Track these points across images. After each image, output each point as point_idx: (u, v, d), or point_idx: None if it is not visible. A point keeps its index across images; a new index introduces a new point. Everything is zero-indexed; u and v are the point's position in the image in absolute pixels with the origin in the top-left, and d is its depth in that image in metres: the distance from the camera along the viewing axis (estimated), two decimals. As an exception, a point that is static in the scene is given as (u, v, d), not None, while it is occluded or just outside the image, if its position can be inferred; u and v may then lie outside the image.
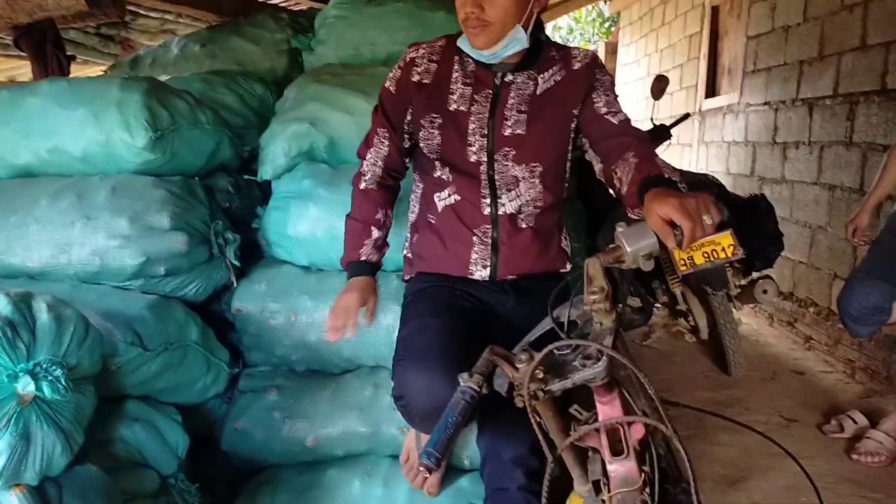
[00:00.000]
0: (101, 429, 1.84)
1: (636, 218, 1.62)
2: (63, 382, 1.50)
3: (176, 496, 1.97)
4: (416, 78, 1.90)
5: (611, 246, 1.43)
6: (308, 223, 2.27)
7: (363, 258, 1.96)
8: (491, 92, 1.85)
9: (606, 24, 12.33)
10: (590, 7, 12.04)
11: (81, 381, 1.63)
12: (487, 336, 1.65)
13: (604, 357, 1.31)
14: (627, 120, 1.82)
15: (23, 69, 5.82)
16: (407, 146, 1.96)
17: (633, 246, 1.38)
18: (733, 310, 3.83)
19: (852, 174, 3.96)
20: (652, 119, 4.60)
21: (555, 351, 1.37)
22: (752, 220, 3.90)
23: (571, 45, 1.95)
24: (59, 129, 2.20)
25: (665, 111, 7.32)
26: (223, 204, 2.49)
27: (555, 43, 1.95)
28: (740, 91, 5.63)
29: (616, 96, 1.88)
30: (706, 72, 6.53)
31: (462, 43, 1.83)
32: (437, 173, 1.92)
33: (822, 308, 4.30)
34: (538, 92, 1.85)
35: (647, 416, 1.38)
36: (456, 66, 1.88)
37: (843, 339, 3.94)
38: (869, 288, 2.93)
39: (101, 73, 4.18)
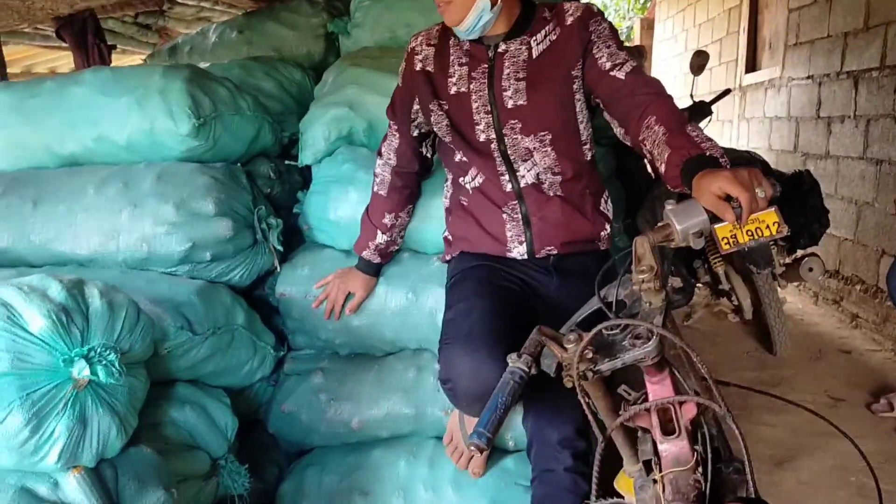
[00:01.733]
0: (153, 412, 1.87)
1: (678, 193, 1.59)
2: (117, 366, 1.53)
3: (226, 477, 2.00)
4: (418, 67, 1.93)
5: (660, 224, 1.41)
6: (349, 207, 2.28)
7: (365, 256, 2.15)
8: (486, 66, 1.83)
9: (642, 1, 12.13)
10: (624, -17, 11.88)
11: (134, 366, 1.66)
12: (532, 317, 1.64)
13: (654, 336, 1.30)
14: (637, 70, 1.74)
15: (62, 60, 5.92)
16: (416, 135, 2.03)
17: (684, 224, 1.36)
18: (778, 288, 3.77)
19: (900, 148, 3.86)
20: (692, 95, 4.53)
21: (603, 331, 1.36)
22: (796, 197, 3.82)
23: (566, 1, 1.87)
24: (103, 118, 2.22)
25: (704, 87, 7.19)
26: (265, 190, 2.50)
27: (548, 3, 1.89)
28: (782, 65, 5.50)
29: (619, 44, 1.80)
30: (746, 46, 6.40)
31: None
32: (456, 157, 1.95)
33: (869, 285, 4.21)
34: (533, 56, 1.81)
35: (698, 395, 1.37)
36: (452, 49, 1.89)
37: (891, 316, 3.86)
38: (920, 264, 2.86)
39: (141, 62, 4.23)
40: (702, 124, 4.47)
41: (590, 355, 1.30)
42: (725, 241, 3.96)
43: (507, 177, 1.88)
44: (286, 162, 2.62)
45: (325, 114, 2.41)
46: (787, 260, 3.72)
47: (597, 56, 1.76)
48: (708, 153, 1.51)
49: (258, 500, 2.23)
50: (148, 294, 1.92)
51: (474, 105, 1.84)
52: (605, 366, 1.32)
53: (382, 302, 2.20)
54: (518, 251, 1.91)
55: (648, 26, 10.30)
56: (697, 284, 4.16)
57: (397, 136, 2.06)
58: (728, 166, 1.50)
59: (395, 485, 2.08)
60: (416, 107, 1.97)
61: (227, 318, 2.08)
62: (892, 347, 3.84)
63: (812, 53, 4.99)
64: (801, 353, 3.89)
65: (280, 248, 2.31)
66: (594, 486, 1.36)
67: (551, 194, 1.89)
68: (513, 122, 1.82)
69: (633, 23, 11.56)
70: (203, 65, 2.98)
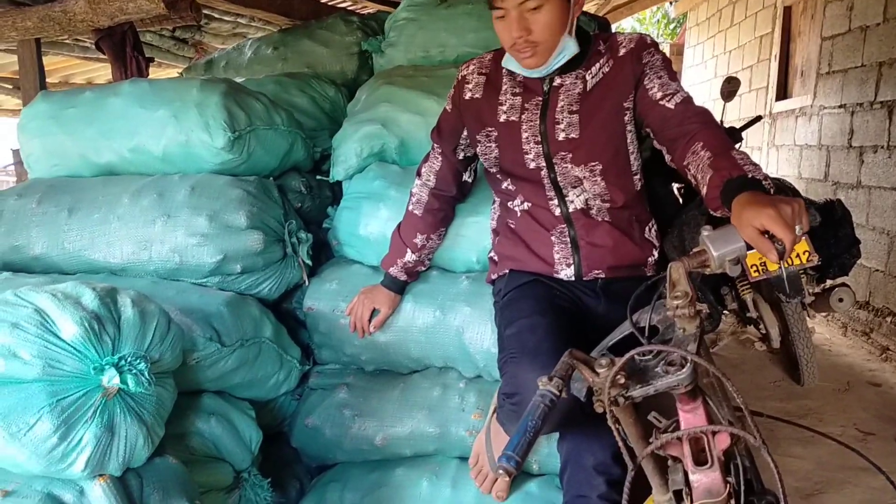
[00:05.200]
0: (179, 422, 1.87)
1: (715, 216, 1.58)
2: (147, 376, 1.53)
3: (249, 490, 1.99)
4: (468, 95, 1.94)
5: (695, 249, 1.40)
6: (379, 223, 2.28)
7: (392, 273, 2.16)
8: (540, 99, 1.84)
9: (672, 26, 12.12)
10: (654, 8, 11.86)
11: (163, 375, 1.67)
12: (583, 338, 1.62)
13: (688, 364, 1.28)
14: (687, 100, 1.72)
15: (100, 72, 6.02)
16: (461, 158, 2.05)
17: (721, 250, 1.35)
18: (807, 318, 3.72)
19: (935, 179, 3.81)
20: (721, 121, 4.51)
21: (636, 356, 1.35)
22: (827, 226, 3.78)
23: (619, 33, 1.88)
24: (140, 129, 2.26)
25: (733, 113, 7.16)
26: (295, 204, 2.52)
27: (601, 34, 1.90)
28: (814, 93, 5.46)
29: (672, 74, 1.79)
30: (777, 73, 6.36)
31: (509, 63, 1.83)
32: (503, 185, 1.97)
33: (900, 318, 4.14)
34: (588, 89, 1.81)
35: (732, 425, 1.34)
36: (505, 79, 1.89)
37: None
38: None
39: (177, 75, 4.29)
40: (732, 150, 4.45)
41: (622, 381, 1.28)
42: (755, 268, 3.91)
43: (556, 201, 1.89)
44: (317, 177, 2.63)
45: (358, 130, 2.43)
46: (817, 289, 3.67)
47: (648, 86, 1.76)
48: (750, 175, 1.49)
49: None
50: (178, 304, 1.94)
51: (524, 135, 1.85)
52: (637, 392, 1.30)
53: (410, 319, 2.20)
54: (565, 273, 1.91)
55: (678, 52, 10.28)
56: (724, 311, 4.13)
57: (440, 158, 2.07)
58: (772, 190, 1.48)
59: (417, 505, 2.06)
60: (464, 133, 2.00)
61: (256, 330, 2.09)
62: (923, 382, 3.76)
63: (845, 82, 4.95)
64: (829, 385, 3.83)
65: (309, 262, 2.32)
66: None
67: (599, 219, 1.89)
68: (563, 153, 1.83)
69: (663, 48, 11.55)
70: (238, 79, 3.02)
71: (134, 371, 1.53)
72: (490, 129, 1.90)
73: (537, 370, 1.61)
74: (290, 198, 2.50)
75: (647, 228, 1.98)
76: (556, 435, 2.09)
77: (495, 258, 2.07)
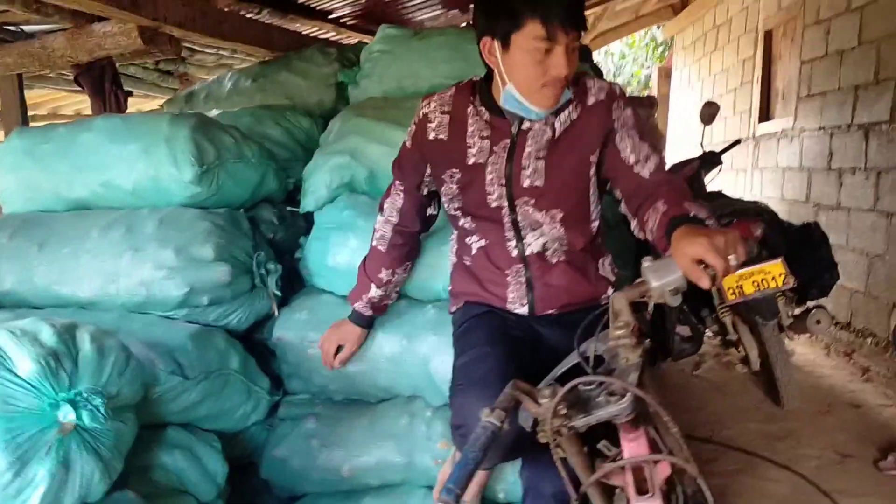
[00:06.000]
0: (142, 455, 1.89)
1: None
2: (102, 411, 1.55)
3: (214, 522, 2.00)
4: (431, 135, 1.87)
5: (637, 280, 1.43)
6: (348, 253, 2.31)
7: (357, 308, 2.13)
8: (508, 141, 1.80)
9: (660, 49, 12.24)
10: (643, 32, 11.99)
11: (122, 410, 1.69)
12: (540, 366, 1.63)
13: (628, 394, 1.30)
14: (660, 167, 1.73)
15: (66, 101, 5.99)
16: (424, 194, 2.01)
17: (659, 281, 1.37)
18: (786, 340, 3.73)
19: (911, 201, 3.85)
20: (702, 145, 4.55)
21: (580, 386, 1.37)
22: (805, 248, 3.80)
23: (588, 77, 1.82)
24: (111, 164, 2.29)
25: (719, 136, 7.22)
26: (267, 234, 2.55)
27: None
28: (794, 116, 5.52)
29: (642, 132, 1.78)
30: (760, 96, 6.43)
31: (511, 104, 1.72)
32: (462, 222, 1.94)
33: (880, 338, 4.16)
34: (556, 137, 1.78)
35: (672, 454, 1.36)
36: (471, 119, 1.83)
37: (905, 371, 3.81)
38: (925, 320, 2.84)
39: (159, 106, 4.34)
40: (713, 173, 4.50)
41: (563, 411, 1.31)
42: (731, 291, 3.94)
43: (514, 242, 1.87)
44: (289, 208, 2.66)
45: (328, 161, 2.46)
46: (797, 311, 3.69)
47: (619, 147, 1.76)
48: (692, 213, 1.53)
49: (249, 546, 2.24)
50: (143, 337, 1.96)
51: (488, 177, 1.82)
52: (580, 422, 1.33)
53: (377, 348, 2.22)
54: (520, 311, 1.91)
55: (666, 75, 10.36)
56: (707, 334, 4.15)
57: (402, 195, 2.01)
58: (714, 226, 1.52)
59: (383, 534, 2.07)
60: (427, 171, 1.94)
61: (221, 362, 2.11)
62: (903, 403, 3.77)
63: (824, 105, 5.00)
64: (810, 406, 3.83)
65: (279, 293, 2.35)
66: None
67: (555, 261, 1.88)
68: (526, 197, 1.82)
69: (652, 71, 11.66)
70: (216, 111, 3.07)
71: (90, 406, 1.55)
72: (455, 170, 1.86)
73: (483, 401, 1.62)
74: (262, 228, 2.53)
75: (602, 264, 1.98)
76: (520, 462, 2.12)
77: (454, 292, 2.06)
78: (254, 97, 3.37)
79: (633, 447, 1.36)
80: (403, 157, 1.99)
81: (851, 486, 2.94)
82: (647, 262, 1.40)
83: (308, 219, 2.75)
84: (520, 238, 1.87)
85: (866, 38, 4.40)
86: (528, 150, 1.78)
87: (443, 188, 1.91)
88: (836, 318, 4.69)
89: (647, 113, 5.16)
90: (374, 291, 2.10)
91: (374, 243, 2.09)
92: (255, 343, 2.48)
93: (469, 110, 1.83)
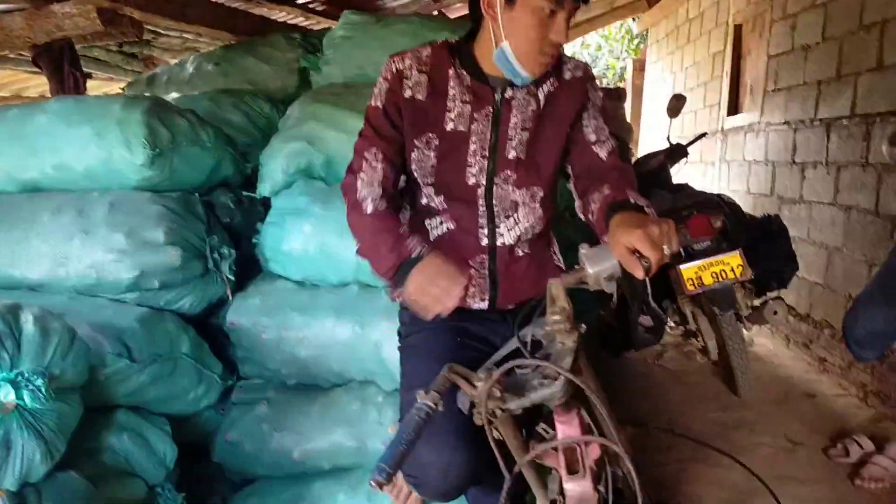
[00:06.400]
0: (90, 437, 1.89)
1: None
2: (44, 391, 1.56)
3: (163, 505, 2.01)
4: (408, 93, 1.69)
5: (575, 267, 1.45)
6: (301, 239, 2.31)
7: (414, 254, 1.59)
8: (492, 109, 1.70)
9: (636, 42, 12.30)
10: (619, 24, 12.05)
11: (66, 391, 1.69)
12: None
13: (561, 378, 1.33)
14: (614, 152, 1.74)
15: (30, 82, 5.91)
16: (401, 164, 1.74)
17: (595, 268, 1.39)
18: (743, 330, 3.79)
19: (868, 195, 3.90)
20: (668, 138, 4.60)
21: (516, 370, 1.39)
22: (765, 240, 3.87)
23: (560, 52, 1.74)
24: (64, 146, 2.28)
25: (689, 129, 7.28)
26: (224, 219, 2.54)
27: None
28: (761, 110, 5.58)
29: (605, 117, 1.78)
30: (729, 90, 6.49)
31: (501, 61, 1.62)
32: (427, 200, 1.76)
33: (836, 330, 4.22)
34: (540, 108, 1.72)
35: (604, 436, 1.39)
36: (452, 81, 1.70)
37: (857, 362, 3.87)
38: (874, 312, 2.89)
39: (120, 90, 4.30)
40: (678, 166, 4.55)
41: (497, 394, 1.33)
42: (690, 282, 3.98)
43: (486, 230, 1.75)
44: (245, 193, 2.66)
45: (284, 147, 2.46)
46: (756, 302, 3.75)
47: (584, 124, 1.75)
48: (632, 199, 1.55)
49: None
50: (91, 320, 1.96)
51: (471, 147, 1.70)
52: (514, 404, 1.35)
53: (330, 334, 2.23)
54: (478, 306, 1.79)
55: (640, 67, 10.41)
56: (669, 324, 4.20)
57: (379, 164, 1.68)
58: (653, 214, 1.54)
59: (333, 517, 2.09)
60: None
61: (171, 346, 2.11)
62: (856, 393, 3.85)
63: (789, 100, 5.06)
64: (766, 396, 3.90)
65: (232, 277, 2.35)
66: (499, 525, 1.37)
67: (521, 253, 1.80)
68: (508, 172, 1.72)
69: (627, 63, 11.71)
70: (175, 96, 3.05)
71: (31, 387, 1.55)
72: (432, 135, 1.70)
73: (436, 454, 1.59)
74: (218, 213, 2.53)
75: (555, 252, 1.96)
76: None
77: None
78: (216, 81, 3.35)
79: (565, 429, 1.38)
80: (376, 119, 1.72)
81: (800, 473, 3.00)
82: (583, 250, 1.42)
83: (267, 204, 2.74)
84: (493, 226, 1.75)
85: (830, 33, 4.45)
86: (514, 120, 1.70)
87: (414, 155, 1.71)
88: (796, 309, 4.77)
89: (615, 105, 5.20)
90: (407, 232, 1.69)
91: (369, 210, 1.66)
92: (210, 328, 2.48)
93: (450, 72, 1.71)
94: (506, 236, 1.77)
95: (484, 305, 1.80)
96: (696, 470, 3.06)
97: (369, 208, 1.67)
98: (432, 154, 1.72)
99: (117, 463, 1.92)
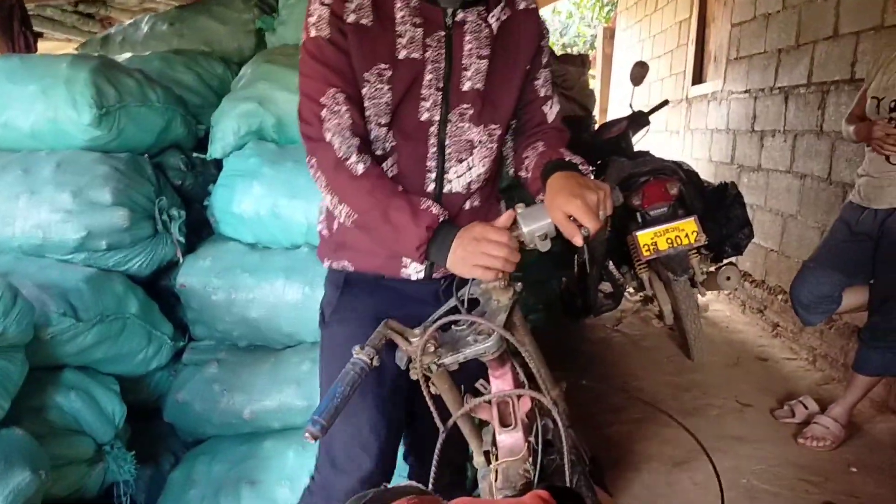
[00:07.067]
0: (37, 396, 1.90)
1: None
2: (-16, 349, 1.56)
3: (112, 463, 2.03)
4: (351, 17, 1.46)
5: (511, 226, 1.47)
6: (252, 201, 2.31)
7: (443, 217, 1.43)
8: (443, 34, 1.51)
9: (606, 10, 12.26)
10: (590, -9, 12.02)
11: (9, 350, 1.69)
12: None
13: (494, 333, 1.36)
14: (559, 113, 1.70)
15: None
16: (362, 104, 1.50)
17: (529, 227, 1.42)
18: (698, 296, 3.87)
19: (821, 163, 3.98)
20: (630, 105, 4.62)
21: (452, 327, 1.42)
22: (720, 207, 3.93)
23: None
24: (9, 105, 2.23)
25: (656, 97, 7.31)
26: (175, 181, 2.53)
27: None
28: (724, 78, 5.63)
29: (552, 74, 1.73)
30: (693, 58, 6.53)
31: None
32: (375, 142, 1.54)
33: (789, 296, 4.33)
34: (494, 34, 1.56)
35: (537, 390, 1.43)
36: (398, 3, 1.50)
37: (806, 326, 3.98)
38: (820, 277, 2.97)
39: (74, 49, 4.21)
40: (640, 133, 4.58)
41: (432, 349, 1.35)
42: (646, 247, 4.04)
43: (434, 175, 1.57)
44: (195, 155, 2.64)
45: (235, 108, 2.44)
46: (712, 268, 3.82)
47: (536, 76, 1.66)
48: (567, 158, 1.56)
49: (153, 488, 2.26)
50: (36, 280, 1.95)
51: (427, 77, 1.51)
52: (448, 359, 1.37)
53: (280, 295, 2.24)
54: (414, 268, 1.61)
55: (611, 35, 10.41)
56: (629, 290, 4.27)
57: (344, 107, 1.45)
58: (588, 174, 1.56)
59: (282, 474, 2.13)
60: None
61: (118, 306, 2.11)
62: (806, 357, 3.95)
63: (750, 68, 5.11)
64: (719, 360, 4.00)
65: (182, 239, 2.34)
66: (432, 477, 1.40)
67: (468, 206, 1.63)
68: (464, 106, 1.55)
69: (598, 31, 11.69)
70: (126, 55, 3.00)
71: (-29, 344, 1.55)
72: (384, 65, 1.48)
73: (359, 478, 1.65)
74: (170, 175, 2.51)
75: (502, 208, 1.78)
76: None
77: (328, 237, 1.68)
78: (171, 42, 3.30)
79: (499, 383, 1.42)
80: (323, 53, 1.46)
81: (746, 433, 3.10)
82: (519, 209, 1.44)
83: (220, 166, 2.73)
84: (442, 171, 1.57)
85: (790, 2, 4.49)
86: (468, 46, 1.53)
87: (366, 92, 1.49)
88: (751, 275, 4.86)
89: (579, 71, 5.20)
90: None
91: (360, 171, 1.43)
92: (162, 290, 2.47)
93: None
94: (454, 183, 1.59)
95: (421, 268, 1.61)
96: (647, 430, 3.14)
97: (359, 168, 1.42)
98: (385, 87, 1.50)
99: (65, 421, 1.93)
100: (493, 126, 1.60)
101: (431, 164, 1.57)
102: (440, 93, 1.53)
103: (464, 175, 1.61)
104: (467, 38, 1.53)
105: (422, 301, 1.62)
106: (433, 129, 1.55)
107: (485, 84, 1.56)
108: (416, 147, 1.55)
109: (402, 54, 1.49)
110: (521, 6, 1.62)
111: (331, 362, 1.70)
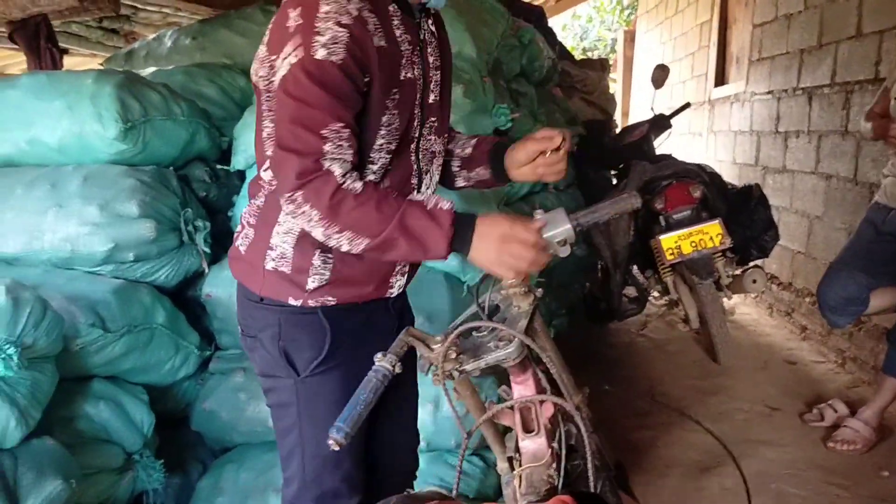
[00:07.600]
0: (67, 406, 1.93)
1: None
2: (16, 360, 1.59)
3: (141, 471, 2.05)
4: (377, 41, 1.33)
5: (530, 230, 1.47)
6: (275, 211, 2.33)
7: (446, 206, 1.35)
8: (419, 48, 1.46)
9: (626, 12, 12.24)
10: (610, -5, 12.00)
11: (39, 360, 1.72)
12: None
13: (515, 339, 1.36)
14: None
15: (11, 60, 5.85)
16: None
17: (549, 232, 1.42)
18: (724, 299, 3.84)
19: (847, 163, 3.93)
20: (652, 108, 4.61)
21: (473, 333, 1.43)
22: (745, 209, 3.90)
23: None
24: (36, 121, 2.28)
25: (678, 100, 7.27)
26: (200, 193, 2.56)
27: None
28: (746, 80, 5.59)
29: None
30: (716, 60, 6.49)
31: None
32: (377, 166, 1.44)
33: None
34: (436, 43, 1.54)
35: (559, 396, 1.43)
36: (395, 20, 1.40)
37: (835, 329, 3.93)
38: (846, 278, 2.93)
39: (98, 65, 4.28)
40: (662, 136, 4.57)
41: (453, 356, 1.36)
42: (671, 251, 4.02)
43: (416, 191, 1.53)
44: (220, 166, 2.67)
45: (257, 120, 2.46)
46: (737, 271, 3.79)
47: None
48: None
49: (181, 496, 2.29)
50: (65, 292, 1.99)
51: (417, 94, 1.47)
52: (470, 366, 1.38)
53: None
54: (398, 284, 1.59)
55: (631, 38, 10.39)
56: (653, 294, 4.25)
57: (346, 143, 1.32)
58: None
59: (308, 482, 2.13)
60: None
61: (146, 316, 2.14)
62: (835, 359, 3.90)
63: (773, 69, 5.07)
64: (747, 363, 3.96)
65: (208, 250, 2.37)
66: (457, 481, 1.41)
67: None
68: (432, 119, 1.53)
69: (618, 35, 11.66)
70: (151, 69, 3.05)
71: (3, 356, 1.58)
72: (396, 90, 1.40)
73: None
74: (194, 187, 2.54)
75: None
76: (442, 413, 2.19)
77: (293, 273, 1.48)
78: (193, 56, 3.34)
79: (521, 389, 1.42)
80: (333, 80, 1.29)
81: (774, 437, 3.06)
82: (538, 214, 1.45)
83: (243, 178, 2.76)
84: (420, 184, 1.54)
85: (812, 2, 4.45)
86: (430, 58, 1.50)
87: (385, 120, 1.40)
88: (778, 278, 4.81)
89: (599, 76, 5.19)
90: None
91: (359, 189, 1.31)
92: (188, 300, 2.50)
93: (390, 8, 1.40)
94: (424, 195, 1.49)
95: (402, 282, 1.59)
96: (673, 434, 3.12)
97: (357, 186, 1.30)
98: (396, 112, 1.41)
99: (95, 430, 1.96)
100: (445, 135, 1.63)
101: (414, 181, 1.53)
102: (419, 108, 1.49)
103: (430, 186, 1.60)
104: (429, 49, 1.51)
105: (386, 323, 1.62)
106: (413, 146, 1.51)
107: (439, 94, 1.56)
108: (404, 166, 1.50)
109: (402, 74, 1.42)
110: (433, 10, 1.54)
111: (315, 418, 1.56)
